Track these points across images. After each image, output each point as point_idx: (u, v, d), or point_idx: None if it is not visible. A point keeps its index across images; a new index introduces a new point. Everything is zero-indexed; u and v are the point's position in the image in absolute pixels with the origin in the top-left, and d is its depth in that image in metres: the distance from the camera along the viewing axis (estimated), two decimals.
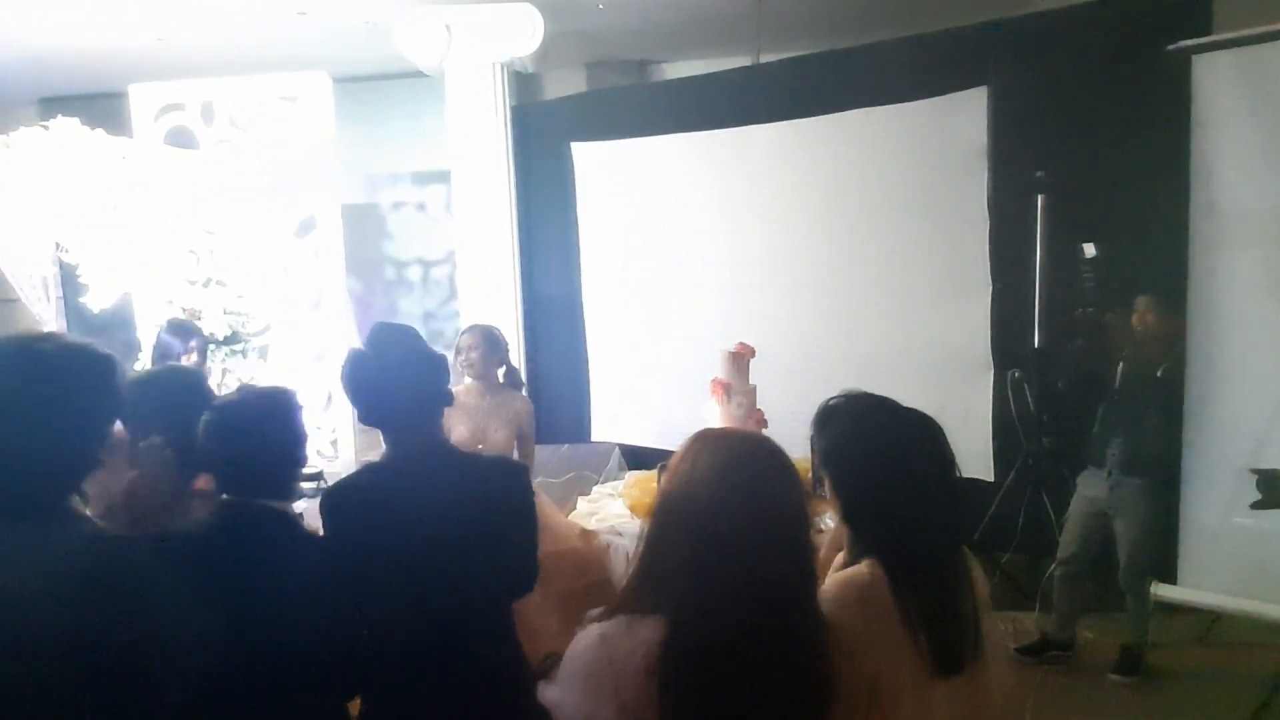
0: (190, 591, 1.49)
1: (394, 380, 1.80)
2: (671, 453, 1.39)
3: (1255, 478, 2.20)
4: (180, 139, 5.06)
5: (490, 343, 3.68)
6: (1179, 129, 3.41)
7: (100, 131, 4.65)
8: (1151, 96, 3.83)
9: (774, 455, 1.35)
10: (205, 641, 1.46)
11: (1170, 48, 3.38)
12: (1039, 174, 4.18)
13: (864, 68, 5.06)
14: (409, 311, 7.68)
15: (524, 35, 5.67)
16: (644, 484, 3.84)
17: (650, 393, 5.82)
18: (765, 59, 5.96)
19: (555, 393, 6.46)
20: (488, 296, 6.02)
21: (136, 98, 5.02)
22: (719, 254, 5.56)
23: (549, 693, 1.29)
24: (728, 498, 1.26)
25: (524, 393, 3.95)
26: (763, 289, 5.34)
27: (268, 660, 1.55)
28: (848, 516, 1.57)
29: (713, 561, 1.23)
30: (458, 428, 3.52)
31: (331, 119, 5.05)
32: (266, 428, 1.65)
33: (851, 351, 4.94)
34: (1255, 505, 2.20)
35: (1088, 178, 4.23)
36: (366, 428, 1.89)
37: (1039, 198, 4.22)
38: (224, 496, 1.68)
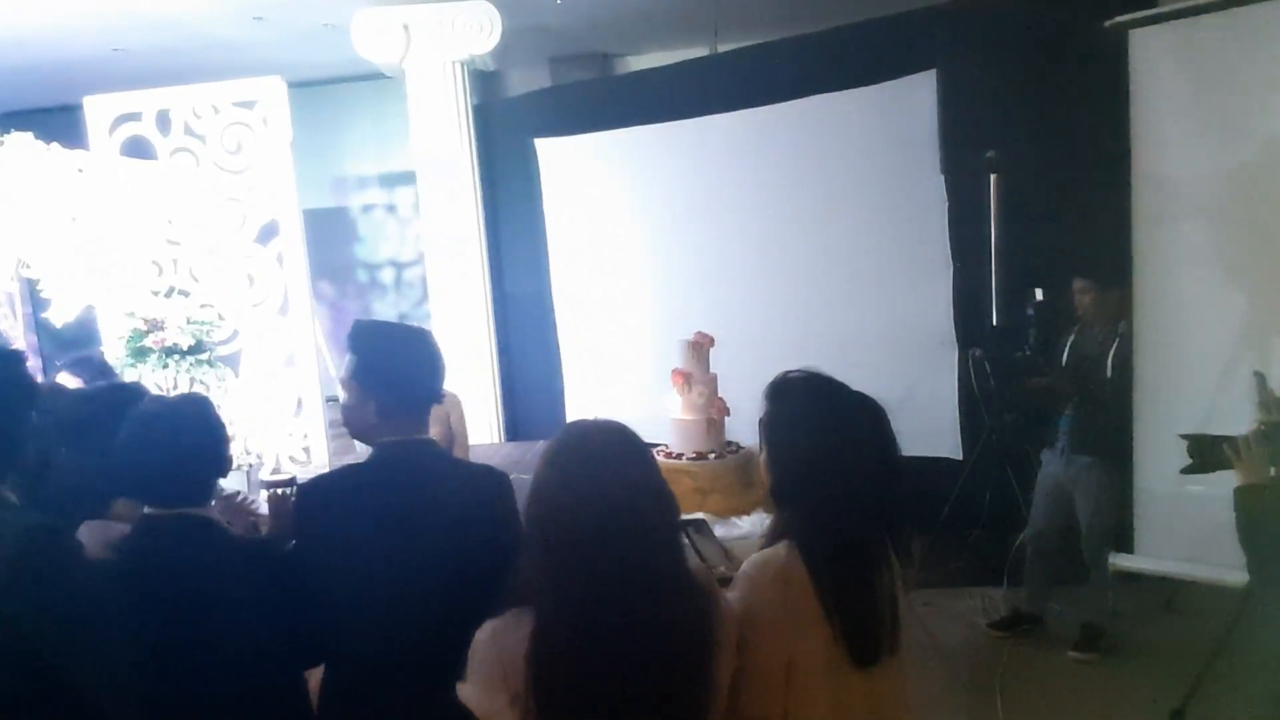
0: (124, 604, 1.50)
1: (400, 358, 1.75)
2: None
3: (1185, 443, 2.22)
4: (136, 149, 5.03)
5: None
6: (1120, 103, 3.44)
7: (55, 145, 4.63)
8: (1093, 72, 3.86)
9: (611, 434, 1.36)
10: (133, 654, 1.48)
11: (1107, 23, 3.41)
12: (989, 154, 4.21)
13: (819, 54, 5.08)
14: (383, 314, 7.64)
15: (481, 32, 5.69)
16: None
17: (624, 384, 5.83)
18: (723, 48, 5.97)
19: (529, 388, 6.49)
20: (458, 296, 6.04)
21: (91, 109, 4.99)
22: (684, 243, 5.57)
23: (464, 690, 1.33)
24: (567, 483, 1.29)
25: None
26: (729, 276, 5.36)
27: (202, 672, 1.54)
28: (773, 491, 1.57)
29: (563, 549, 1.26)
30: None
31: (288, 123, 5.02)
32: (178, 433, 1.64)
33: (817, 336, 4.96)
34: (1185, 470, 2.22)
35: (1036, 155, 4.26)
36: (340, 429, 1.85)
37: (991, 177, 4.24)
38: (146, 510, 1.66)
